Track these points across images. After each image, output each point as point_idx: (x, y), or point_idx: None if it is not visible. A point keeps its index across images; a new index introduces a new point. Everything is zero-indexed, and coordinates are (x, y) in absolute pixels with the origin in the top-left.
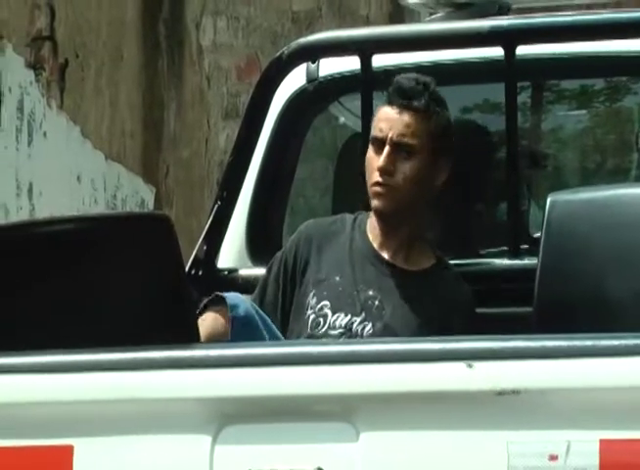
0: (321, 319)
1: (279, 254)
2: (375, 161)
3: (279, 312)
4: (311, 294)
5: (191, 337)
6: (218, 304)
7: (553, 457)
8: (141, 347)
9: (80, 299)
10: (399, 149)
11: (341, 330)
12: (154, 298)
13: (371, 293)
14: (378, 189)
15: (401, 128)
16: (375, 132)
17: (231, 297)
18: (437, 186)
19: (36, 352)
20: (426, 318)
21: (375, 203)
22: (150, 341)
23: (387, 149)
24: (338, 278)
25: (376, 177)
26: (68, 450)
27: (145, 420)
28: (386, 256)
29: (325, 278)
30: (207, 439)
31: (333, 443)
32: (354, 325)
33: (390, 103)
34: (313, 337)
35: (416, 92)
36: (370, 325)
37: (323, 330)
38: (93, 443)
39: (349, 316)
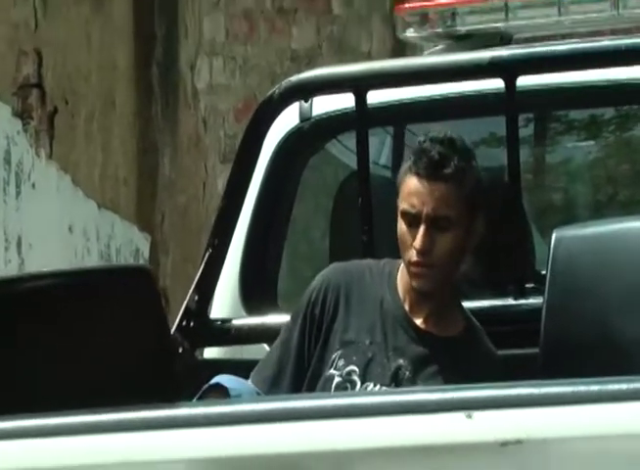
0: (348, 385)
1: (304, 301)
2: (409, 236)
3: (305, 363)
4: (338, 353)
5: (176, 388)
6: (218, 390)
7: None
8: (126, 407)
9: (63, 354)
10: (436, 222)
11: None
12: (137, 351)
13: (401, 361)
14: (417, 270)
15: (435, 202)
16: (405, 206)
17: (232, 382)
18: (473, 247)
19: (21, 416)
20: None
21: (415, 283)
22: (135, 395)
23: (422, 228)
24: (367, 342)
25: (413, 257)
26: None
27: None
28: (417, 321)
29: (355, 340)
30: None
31: None
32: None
33: (418, 175)
34: None
35: (444, 158)
36: None
37: None
38: None
39: (378, 387)
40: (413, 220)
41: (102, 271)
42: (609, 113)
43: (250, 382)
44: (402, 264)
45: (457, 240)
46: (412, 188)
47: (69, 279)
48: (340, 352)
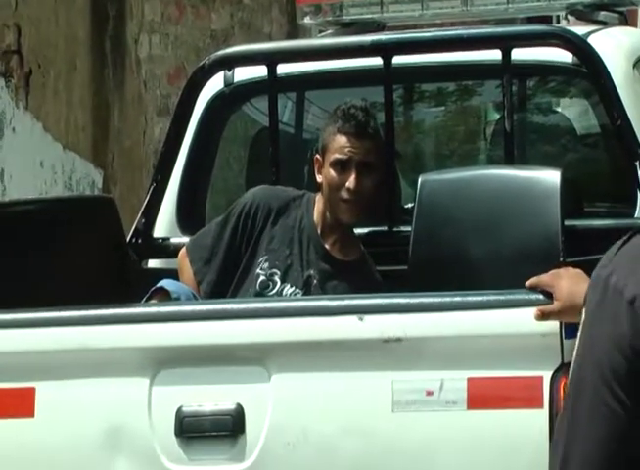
0: (270, 283)
1: (237, 209)
2: (338, 179)
3: (232, 255)
4: (264, 257)
5: (130, 291)
6: (162, 292)
7: (429, 393)
8: (92, 305)
9: (45, 264)
10: (363, 168)
11: None
12: (101, 261)
13: (312, 272)
14: (347, 206)
15: (364, 152)
16: (338, 156)
17: (173, 286)
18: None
19: (6, 311)
20: None
21: (344, 217)
22: (99, 296)
23: (355, 171)
24: (287, 252)
25: (345, 195)
26: (31, 391)
27: (95, 366)
28: (326, 244)
29: (277, 248)
30: (146, 381)
31: (249, 383)
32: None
33: (347, 133)
34: (261, 295)
35: (367, 120)
36: None
37: (271, 294)
38: (52, 385)
39: (294, 288)
40: (345, 167)
41: (78, 199)
42: (452, 86)
43: (188, 275)
44: (318, 198)
45: (374, 181)
46: (343, 143)
47: (54, 205)
48: (265, 256)
